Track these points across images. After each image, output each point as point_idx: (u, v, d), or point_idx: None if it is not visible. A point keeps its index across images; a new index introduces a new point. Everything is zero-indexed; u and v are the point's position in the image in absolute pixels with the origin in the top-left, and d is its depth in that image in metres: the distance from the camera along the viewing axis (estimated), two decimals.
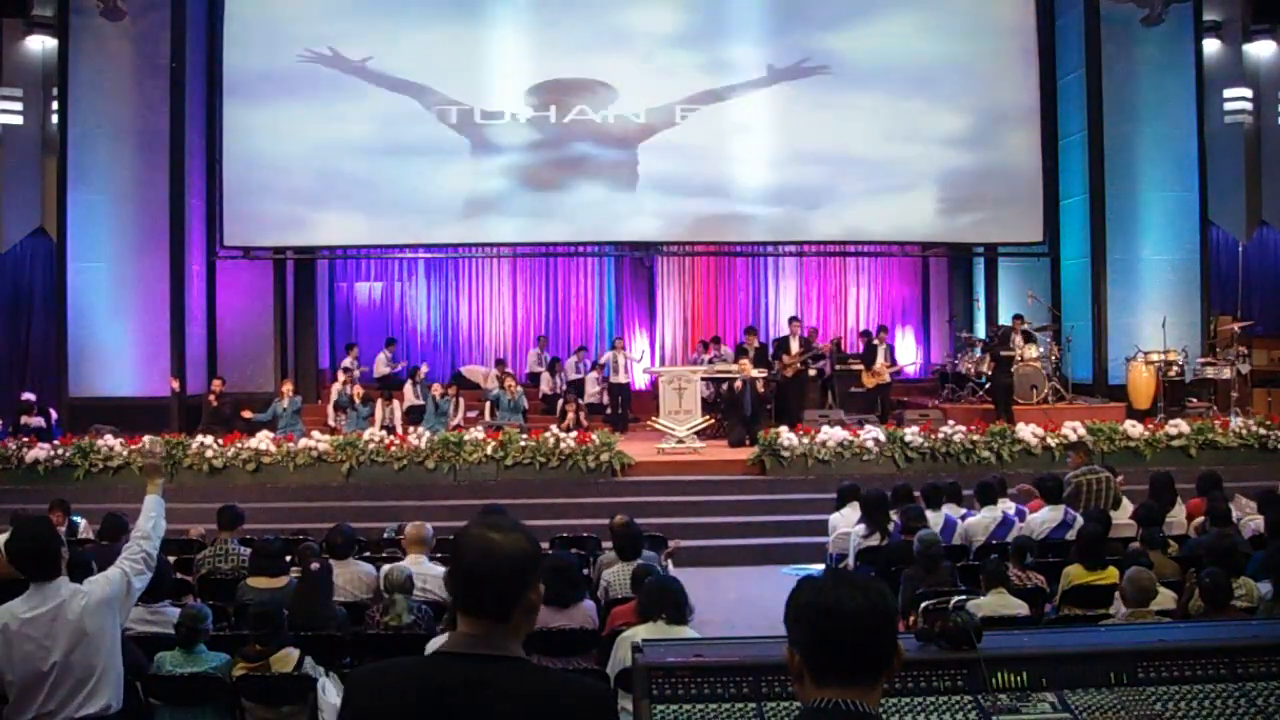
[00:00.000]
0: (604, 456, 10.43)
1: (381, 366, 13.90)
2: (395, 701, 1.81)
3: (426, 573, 5.66)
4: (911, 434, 10.68)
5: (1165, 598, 4.99)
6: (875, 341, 13.30)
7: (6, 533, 6.55)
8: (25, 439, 10.86)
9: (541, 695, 1.81)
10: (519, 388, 13.05)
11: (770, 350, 12.93)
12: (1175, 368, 12.24)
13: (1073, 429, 10.74)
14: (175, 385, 12.12)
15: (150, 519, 3.74)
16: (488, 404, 12.83)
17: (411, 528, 6.01)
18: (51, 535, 3.54)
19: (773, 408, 12.09)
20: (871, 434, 10.69)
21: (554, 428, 11.18)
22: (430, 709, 1.79)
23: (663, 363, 15.26)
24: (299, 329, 14.40)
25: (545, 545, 7.26)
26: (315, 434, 10.85)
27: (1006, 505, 7.19)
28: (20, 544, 3.48)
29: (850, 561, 6.75)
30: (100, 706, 3.39)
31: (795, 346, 13.02)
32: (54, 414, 12.33)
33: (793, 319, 13.84)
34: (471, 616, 1.85)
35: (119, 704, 3.49)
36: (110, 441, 10.55)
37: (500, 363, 14.26)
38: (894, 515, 6.74)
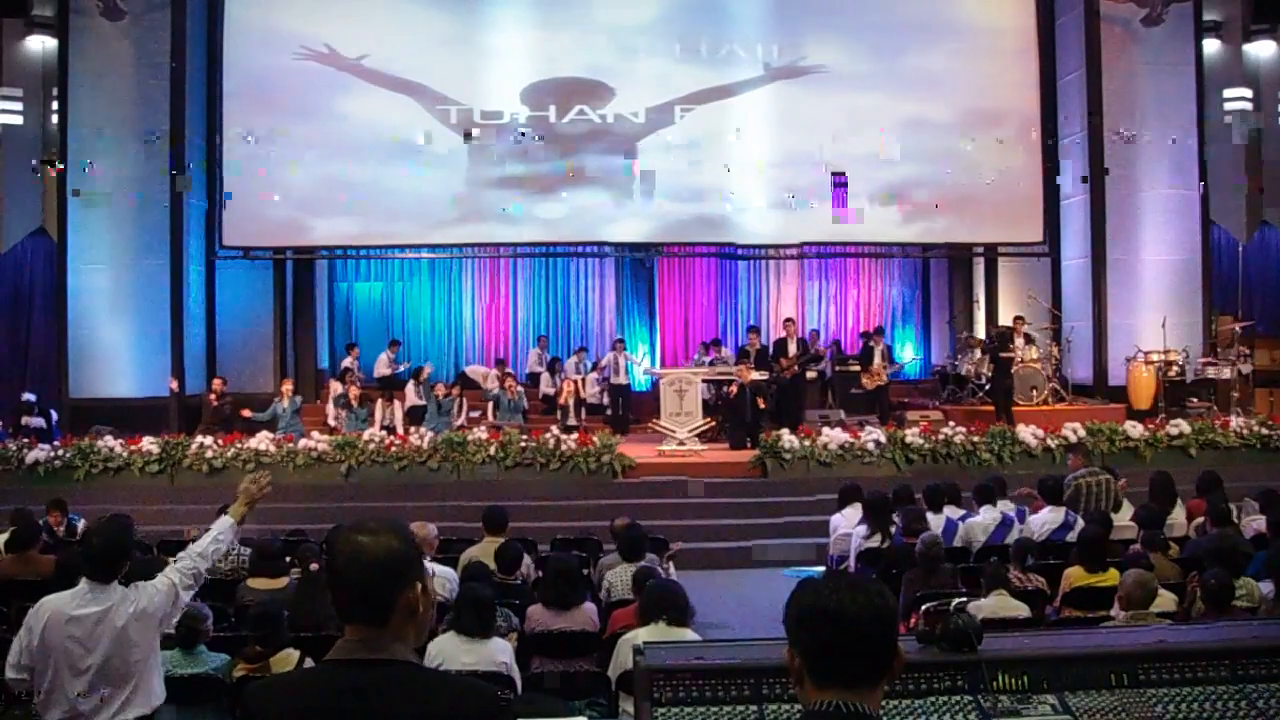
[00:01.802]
0: (605, 458, 10.42)
1: (382, 367, 13.88)
2: (288, 711, 1.81)
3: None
4: (912, 435, 10.68)
5: (1166, 599, 4.99)
6: (871, 343, 13.30)
7: (6, 533, 6.58)
8: (26, 440, 10.86)
9: (427, 698, 1.79)
10: (519, 388, 13.05)
11: (770, 353, 12.92)
12: (1176, 368, 12.23)
13: (1073, 430, 10.73)
14: (175, 386, 12.11)
15: (216, 543, 3.70)
16: (489, 404, 12.82)
17: (415, 527, 6.00)
18: (127, 541, 3.54)
19: (768, 409, 12.06)
20: (872, 435, 10.69)
21: (554, 428, 11.17)
22: (322, 716, 1.78)
23: (663, 364, 15.24)
24: (299, 329, 14.39)
25: (545, 547, 7.28)
26: (315, 434, 10.85)
27: (1006, 506, 7.18)
28: (96, 542, 3.49)
29: (851, 563, 6.75)
30: (136, 714, 3.39)
31: (792, 348, 13.00)
32: (54, 415, 12.33)
33: (788, 320, 13.82)
34: (352, 623, 1.83)
35: (150, 709, 3.48)
36: (110, 442, 10.55)
37: (501, 363, 14.26)
38: (895, 517, 6.73)
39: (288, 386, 12.29)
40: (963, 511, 7.23)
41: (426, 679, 1.88)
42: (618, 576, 5.76)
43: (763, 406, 11.71)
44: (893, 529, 6.60)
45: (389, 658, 1.80)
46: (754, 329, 13.42)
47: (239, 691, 1.91)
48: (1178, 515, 7.16)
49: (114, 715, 3.35)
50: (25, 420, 11.87)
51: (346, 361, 13.63)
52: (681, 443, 11.18)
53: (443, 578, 5.57)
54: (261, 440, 10.60)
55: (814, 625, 1.65)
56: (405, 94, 13.22)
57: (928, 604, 2.93)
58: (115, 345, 12.47)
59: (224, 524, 3.75)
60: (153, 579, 3.58)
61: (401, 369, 13.48)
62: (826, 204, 13.45)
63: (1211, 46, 14.14)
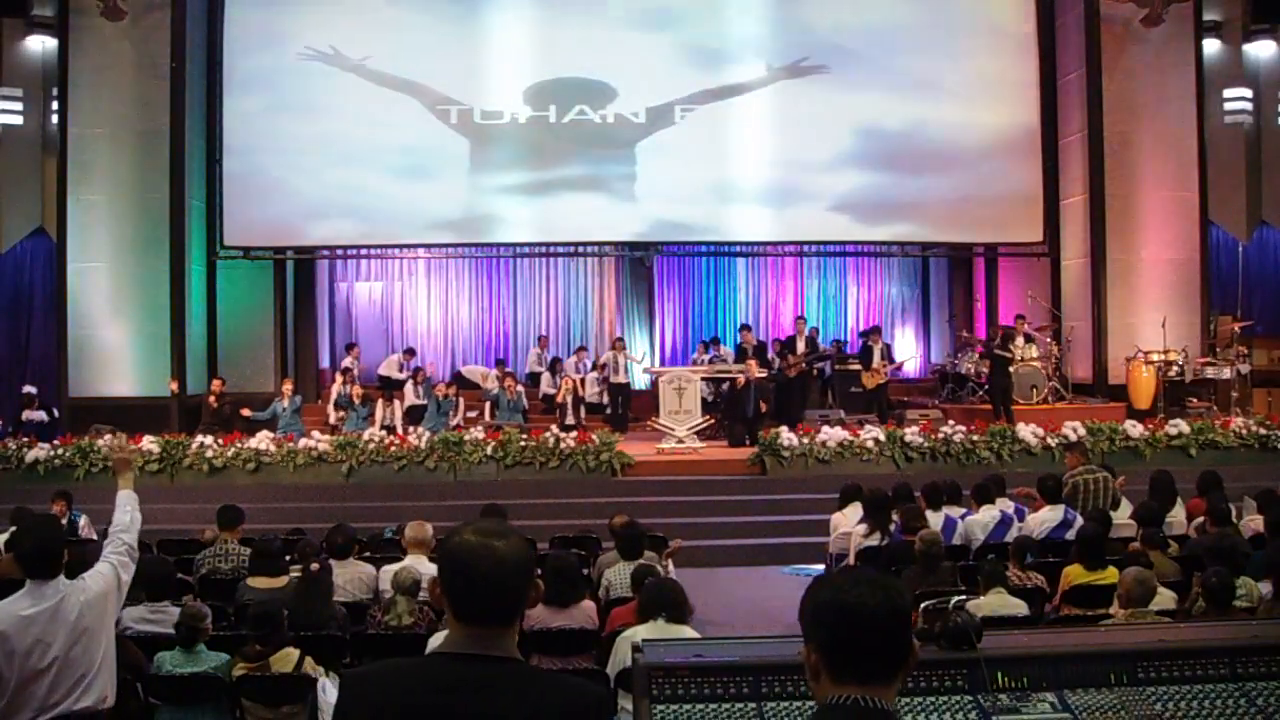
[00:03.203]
0: (604, 456, 10.43)
1: (391, 369, 13.93)
2: (395, 702, 1.79)
3: (428, 573, 5.66)
4: (912, 434, 10.68)
5: (1165, 598, 4.99)
6: (870, 342, 13.31)
7: (6, 533, 6.58)
8: (25, 439, 10.86)
9: (543, 697, 1.81)
10: (519, 388, 13.06)
11: (772, 350, 12.94)
12: (1175, 368, 12.23)
13: (1072, 429, 10.75)
14: (174, 387, 12.11)
15: (126, 513, 3.78)
16: (488, 404, 12.83)
17: (412, 528, 6.01)
18: (57, 535, 3.59)
19: (769, 408, 12.07)
20: (871, 434, 10.70)
21: (553, 428, 11.18)
22: (432, 710, 1.77)
23: (663, 363, 15.25)
24: (299, 329, 14.40)
25: (545, 545, 7.28)
26: (315, 434, 10.86)
27: (1005, 504, 7.19)
28: (27, 542, 3.52)
29: (850, 561, 6.75)
30: (96, 699, 3.43)
31: (801, 346, 13.02)
32: (56, 414, 12.33)
33: (799, 318, 13.86)
34: (473, 625, 1.83)
35: (114, 697, 3.54)
36: (110, 441, 10.55)
37: (500, 363, 14.26)
38: (894, 515, 6.74)
39: (288, 386, 12.31)
40: (962, 510, 7.24)
41: (538, 676, 1.93)
42: (617, 574, 5.76)
43: (764, 410, 11.71)
44: (892, 527, 6.60)
45: (503, 655, 1.82)
46: (746, 327, 13.44)
47: (342, 677, 1.89)
48: (1178, 514, 7.17)
49: (77, 699, 3.39)
50: (26, 415, 11.85)
51: (346, 361, 13.64)
52: (680, 441, 11.19)
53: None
54: (261, 440, 10.61)
55: (833, 621, 1.66)
56: (405, 94, 13.22)
57: (927, 602, 2.93)
58: (115, 345, 12.47)
59: (123, 496, 3.82)
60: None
61: (405, 376, 13.47)
62: (826, 204, 13.45)
63: (1211, 46, 14.13)
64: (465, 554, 1.84)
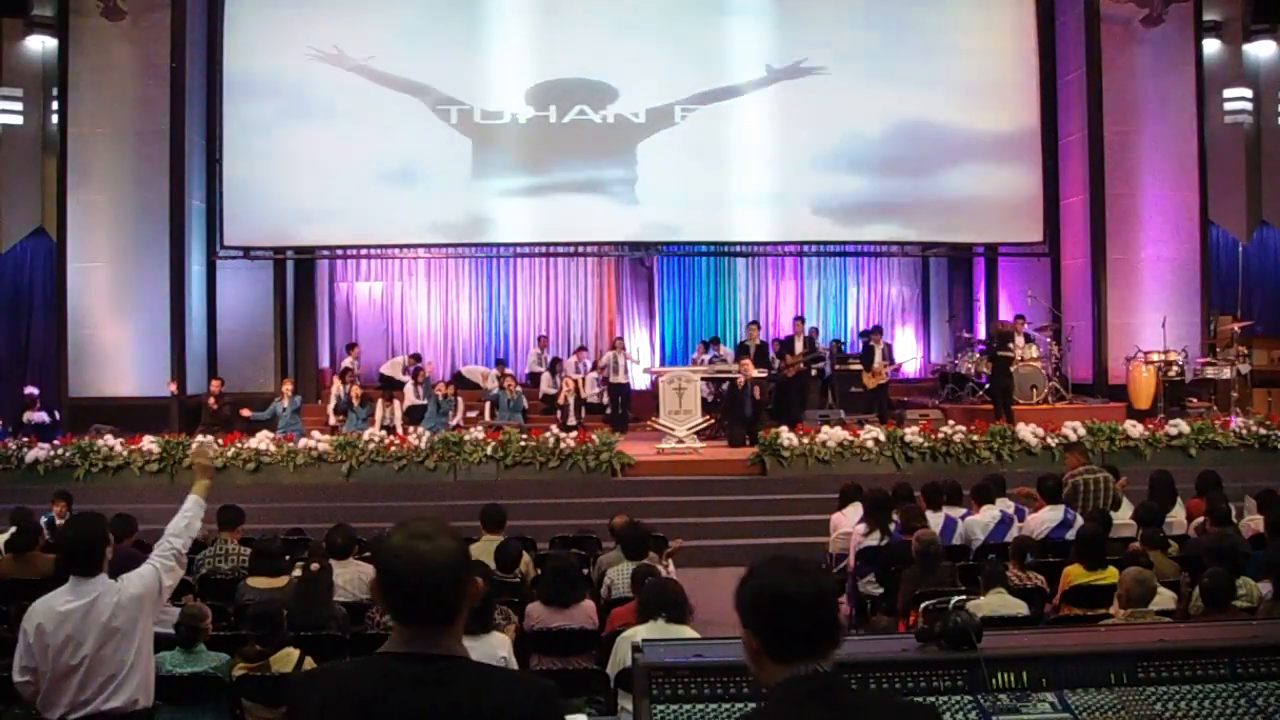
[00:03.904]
0: (604, 456, 10.44)
1: (394, 369, 13.92)
2: (342, 702, 1.80)
3: None
4: (912, 434, 10.68)
5: (1165, 598, 4.99)
6: (871, 342, 13.31)
7: (7, 533, 6.58)
8: (26, 438, 10.86)
9: (487, 691, 1.81)
10: (519, 388, 13.06)
11: (773, 350, 12.94)
12: (1175, 368, 12.23)
13: (1072, 429, 10.75)
14: (173, 388, 12.11)
15: (185, 518, 3.78)
16: (488, 404, 12.83)
17: None
18: (102, 534, 3.57)
19: (766, 404, 12.07)
20: (871, 434, 10.70)
21: (553, 428, 11.18)
22: (380, 706, 1.78)
23: (663, 363, 15.26)
24: (299, 329, 14.40)
25: (545, 545, 7.28)
26: (315, 434, 10.86)
27: (1005, 504, 7.18)
28: (72, 538, 3.54)
29: (851, 561, 6.75)
30: (126, 700, 3.44)
31: (800, 346, 13.02)
32: (57, 414, 12.33)
33: (798, 318, 13.87)
34: (414, 624, 1.84)
35: (148, 700, 3.54)
36: (110, 441, 10.56)
37: (500, 363, 14.26)
38: (894, 515, 6.74)
39: (288, 386, 12.31)
40: (962, 510, 7.24)
41: (485, 673, 1.92)
42: (617, 574, 5.76)
43: (758, 397, 11.70)
44: (892, 527, 6.60)
45: (448, 653, 1.83)
46: (754, 324, 13.46)
47: (289, 681, 1.91)
48: (1178, 514, 7.16)
49: (108, 698, 3.39)
50: (28, 416, 11.85)
51: (346, 361, 13.63)
52: (680, 441, 11.19)
53: None
54: (262, 440, 10.61)
55: (769, 607, 1.79)
56: (406, 94, 13.22)
57: (927, 602, 2.93)
58: (115, 345, 12.48)
59: (190, 501, 3.81)
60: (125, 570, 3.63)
61: (405, 380, 13.46)
62: (826, 204, 13.45)
63: (1211, 46, 14.12)
64: (392, 557, 1.85)
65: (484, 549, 6.11)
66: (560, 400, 12.81)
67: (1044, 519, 6.91)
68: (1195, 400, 12.25)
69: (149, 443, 10.52)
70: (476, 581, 1.89)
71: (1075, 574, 5.49)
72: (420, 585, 1.82)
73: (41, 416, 11.91)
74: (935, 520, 6.75)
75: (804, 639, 1.77)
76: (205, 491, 3.87)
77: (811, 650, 1.77)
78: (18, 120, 13.89)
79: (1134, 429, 10.88)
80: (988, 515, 6.98)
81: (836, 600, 1.82)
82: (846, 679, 1.82)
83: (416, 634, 1.83)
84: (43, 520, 7.57)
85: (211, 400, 11.85)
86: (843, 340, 14.88)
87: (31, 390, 12.37)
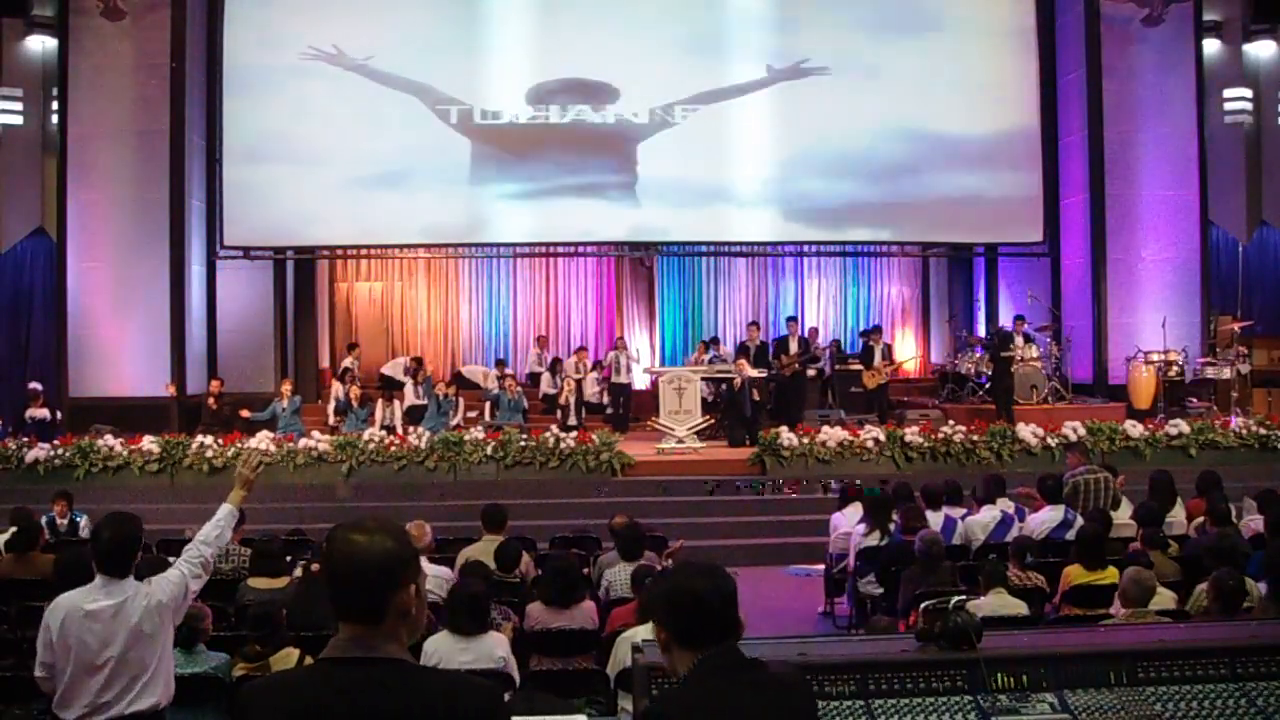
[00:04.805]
0: (604, 456, 10.43)
1: (395, 370, 13.90)
2: (282, 711, 1.81)
3: (426, 573, 5.66)
4: (912, 434, 10.68)
5: (1165, 597, 4.99)
6: (870, 342, 13.31)
7: (7, 533, 6.58)
8: (26, 438, 10.86)
9: (423, 694, 1.81)
10: (519, 388, 13.05)
11: (770, 350, 12.93)
12: (1175, 368, 12.23)
13: (1073, 429, 10.75)
14: (171, 391, 12.09)
15: (218, 528, 3.79)
16: (488, 404, 12.83)
17: (411, 528, 6.00)
18: (135, 535, 3.58)
19: (765, 403, 12.07)
20: (871, 434, 10.70)
21: (553, 428, 11.18)
22: (323, 713, 1.78)
23: (663, 363, 15.25)
24: (299, 329, 14.39)
25: (545, 545, 7.28)
26: (315, 434, 10.86)
27: (1006, 504, 7.18)
28: (109, 538, 3.52)
29: (851, 561, 6.75)
30: (150, 704, 3.44)
31: (794, 347, 13.02)
32: (59, 414, 12.32)
33: (790, 319, 13.87)
34: (348, 621, 1.85)
35: (168, 700, 3.54)
36: (110, 441, 10.55)
37: (500, 363, 14.25)
38: (894, 515, 6.74)
39: (288, 386, 12.31)
40: (963, 510, 7.24)
41: (421, 676, 1.90)
42: (617, 575, 5.76)
43: (758, 398, 11.70)
44: (892, 527, 6.60)
45: (383, 656, 1.82)
46: (754, 324, 13.45)
47: (236, 691, 1.93)
48: (1178, 514, 7.16)
49: (130, 702, 3.39)
50: (30, 413, 11.82)
51: (346, 361, 13.63)
52: (680, 441, 11.19)
53: (440, 577, 5.57)
54: (262, 440, 10.61)
55: (678, 606, 2.06)
56: (406, 94, 13.21)
57: (927, 602, 2.93)
58: (115, 345, 12.47)
59: (224, 510, 3.83)
60: (161, 572, 3.63)
61: (405, 379, 13.45)
62: (826, 203, 13.45)
63: (1211, 46, 14.13)
64: (328, 549, 1.88)
65: (484, 549, 6.11)
66: (561, 401, 12.81)
67: (1044, 519, 6.91)
68: (1195, 400, 12.25)
69: (149, 443, 10.52)
70: (411, 589, 1.86)
71: (1075, 574, 5.49)
72: (348, 579, 1.84)
73: (44, 413, 11.89)
74: (935, 520, 6.75)
75: (707, 631, 2.04)
76: (240, 501, 3.89)
77: (715, 640, 2.04)
78: (18, 120, 13.89)
79: (1134, 429, 10.88)
80: (988, 515, 6.98)
81: (736, 601, 2.10)
82: (747, 657, 2.07)
83: (353, 635, 1.84)
84: (43, 520, 7.57)
85: (211, 400, 11.85)
86: (841, 340, 14.88)
87: (35, 385, 12.33)
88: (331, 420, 12.11)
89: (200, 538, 3.73)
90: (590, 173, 13.35)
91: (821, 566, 7.86)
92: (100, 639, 3.36)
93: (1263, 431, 10.92)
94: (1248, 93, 14.69)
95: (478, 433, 10.86)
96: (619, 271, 15.85)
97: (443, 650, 4.30)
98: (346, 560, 1.84)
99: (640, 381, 14.44)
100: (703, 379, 12.00)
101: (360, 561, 1.83)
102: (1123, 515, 7.13)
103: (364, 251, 14.73)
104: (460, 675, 1.99)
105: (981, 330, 14.44)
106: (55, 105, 13.09)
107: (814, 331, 14.52)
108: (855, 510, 7.16)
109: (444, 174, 13.34)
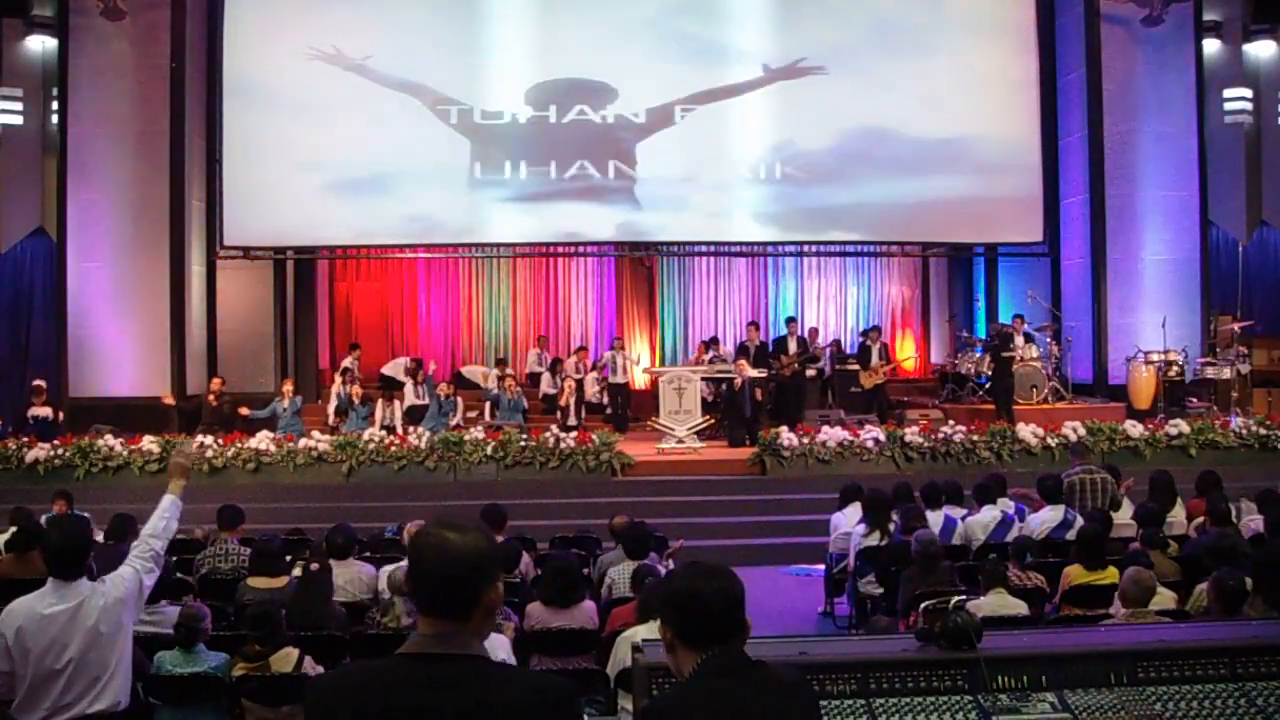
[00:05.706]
0: (604, 456, 10.44)
1: (395, 370, 13.89)
2: (361, 705, 1.81)
3: None
4: (912, 434, 10.68)
5: (1165, 597, 4.99)
6: (869, 342, 13.31)
7: (7, 533, 6.58)
8: (26, 438, 10.85)
9: (508, 692, 1.82)
10: (519, 388, 13.05)
11: (770, 350, 12.93)
12: (1175, 368, 12.23)
13: (1073, 429, 10.75)
14: (169, 400, 12.09)
15: (164, 519, 3.76)
16: (488, 404, 12.82)
17: (411, 527, 6.00)
18: (85, 537, 3.59)
19: (765, 404, 12.07)
20: (871, 434, 10.70)
21: (553, 428, 11.18)
22: (398, 710, 1.78)
23: (663, 363, 15.26)
24: (299, 329, 14.38)
25: (545, 545, 7.28)
26: (315, 434, 10.85)
27: (1006, 504, 7.19)
28: (55, 541, 3.52)
29: (851, 561, 6.75)
30: (110, 703, 3.45)
31: (793, 347, 13.02)
32: (60, 414, 12.30)
33: (790, 319, 13.87)
34: (433, 617, 1.86)
35: (127, 700, 3.55)
36: (110, 441, 10.55)
37: (500, 362, 14.25)
38: (894, 515, 6.74)
39: (288, 386, 12.31)
40: (963, 510, 7.24)
41: (502, 673, 1.95)
42: (618, 574, 5.76)
43: (758, 398, 11.70)
44: (892, 527, 6.60)
45: (466, 653, 1.84)
46: (754, 324, 13.44)
47: (305, 687, 1.92)
48: (1178, 514, 7.16)
49: (91, 701, 3.40)
50: (33, 411, 11.79)
51: (346, 361, 13.62)
52: (680, 441, 11.19)
53: None
54: (262, 440, 10.61)
55: (683, 606, 2.07)
56: (406, 94, 13.21)
57: (927, 602, 2.93)
58: (115, 344, 12.47)
59: (166, 501, 3.79)
60: (115, 570, 3.62)
61: (406, 380, 13.44)
62: (826, 203, 13.44)
63: (1211, 46, 14.13)
64: (420, 545, 1.89)
65: None
66: (561, 401, 12.81)
67: (1044, 519, 6.91)
68: (1195, 400, 12.25)
69: (149, 443, 10.51)
70: (498, 587, 1.89)
71: (1075, 574, 5.49)
72: (439, 574, 1.85)
73: (46, 412, 11.87)
74: (935, 520, 6.75)
75: (711, 630, 2.05)
76: (181, 491, 3.85)
77: (719, 639, 2.05)
78: (18, 120, 13.88)
79: (1134, 429, 10.88)
80: (988, 515, 6.98)
81: (742, 602, 2.10)
82: (750, 657, 2.07)
83: (435, 631, 1.85)
84: (43, 520, 7.55)
85: (211, 398, 11.84)
86: (840, 340, 14.87)
87: (39, 382, 12.29)
88: (332, 420, 12.11)
89: (148, 531, 3.72)
90: (590, 173, 13.35)
91: (821, 566, 7.86)
92: (59, 642, 3.36)
93: (1263, 431, 10.92)
94: (1248, 93, 14.69)
95: (478, 433, 10.86)
96: (619, 272, 15.86)
97: None
98: (440, 556, 1.85)
99: (639, 381, 14.45)
100: (703, 379, 12.00)
101: (454, 557, 1.85)
102: (1123, 515, 7.13)
103: (364, 251, 14.72)
104: (536, 673, 2.02)
105: (981, 330, 14.44)
106: (55, 105, 13.08)
107: (814, 332, 14.52)
108: (855, 510, 7.16)
109: (444, 174, 13.34)
